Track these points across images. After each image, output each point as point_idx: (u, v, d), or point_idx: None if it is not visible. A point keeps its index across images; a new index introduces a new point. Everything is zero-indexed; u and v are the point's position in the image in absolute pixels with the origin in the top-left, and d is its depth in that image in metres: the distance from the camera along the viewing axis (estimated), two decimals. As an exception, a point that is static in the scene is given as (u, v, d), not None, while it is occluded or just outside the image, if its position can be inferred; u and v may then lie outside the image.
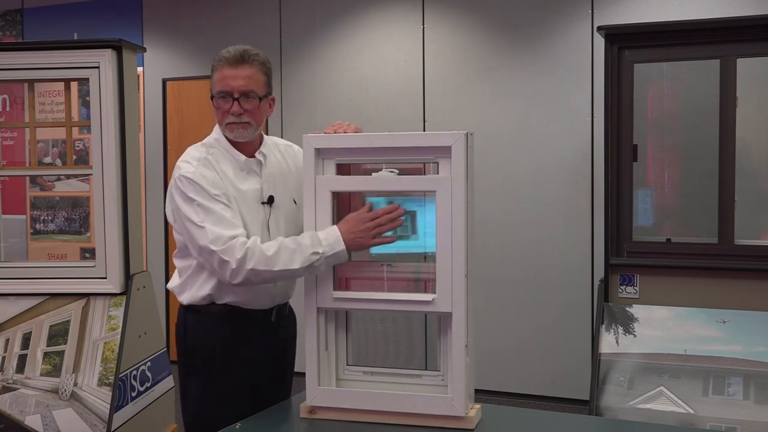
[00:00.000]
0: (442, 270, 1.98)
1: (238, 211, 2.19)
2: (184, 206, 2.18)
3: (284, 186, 2.35)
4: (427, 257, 2.08)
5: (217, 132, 2.34)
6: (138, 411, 3.36)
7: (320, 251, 2.04)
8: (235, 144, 2.29)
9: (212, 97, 2.26)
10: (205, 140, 2.35)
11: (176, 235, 2.31)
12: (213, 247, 2.09)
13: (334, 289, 2.08)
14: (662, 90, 3.54)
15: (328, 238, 2.05)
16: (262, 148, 2.34)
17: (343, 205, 2.14)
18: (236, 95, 2.21)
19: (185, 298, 2.33)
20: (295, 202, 2.35)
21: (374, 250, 2.13)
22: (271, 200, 2.28)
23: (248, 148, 2.31)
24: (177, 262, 2.37)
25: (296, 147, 2.46)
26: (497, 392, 4.87)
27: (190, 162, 2.23)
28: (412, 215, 2.09)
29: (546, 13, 4.83)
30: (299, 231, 2.19)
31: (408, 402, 2.01)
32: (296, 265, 2.05)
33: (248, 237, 2.14)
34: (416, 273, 2.09)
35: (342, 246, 2.04)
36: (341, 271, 2.12)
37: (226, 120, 2.24)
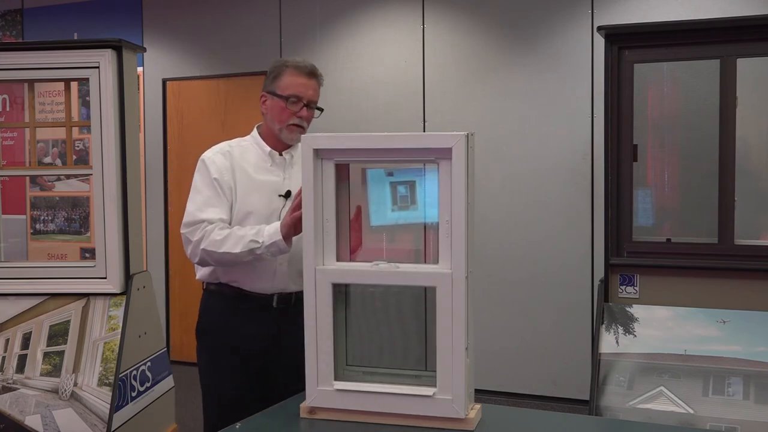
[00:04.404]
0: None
1: (227, 199, 2.46)
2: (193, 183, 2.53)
3: None
4: (427, 227, 2.07)
5: (254, 131, 2.63)
6: (138, 411, 3.36)
7: (260, 241, 2.36)
8: (265, 139, 2.58)
9: (278, 98, 2.51)
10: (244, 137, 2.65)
11: None
12: (183, 228, 2.45)
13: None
14: (662, 90, 3.54)
15: (270, 230, 2.37)
16: (292, 150, 2.59)
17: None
18: (306, 102, 2.53)
19: (198, 275, 2.61)
20: None
21: (375, 221, 2.13)
22: (288, 194, 2.51)
23: (278, 146, 2.58)
24: None
25: None
26: (497, 392, 4.87)
27: (213, 149, 2.56)
28: (411, 185, 2.09)
29: (546, 13, 4.83)
30: None
31: (408, 403, 2.01)
32: (237, 250, 2.37)
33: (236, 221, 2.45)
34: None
35: (279, 237, 2.35)
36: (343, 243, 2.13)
37: (291, 121, 2.52)
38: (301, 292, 2.51)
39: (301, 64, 2.54)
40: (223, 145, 2.57)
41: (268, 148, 2.56)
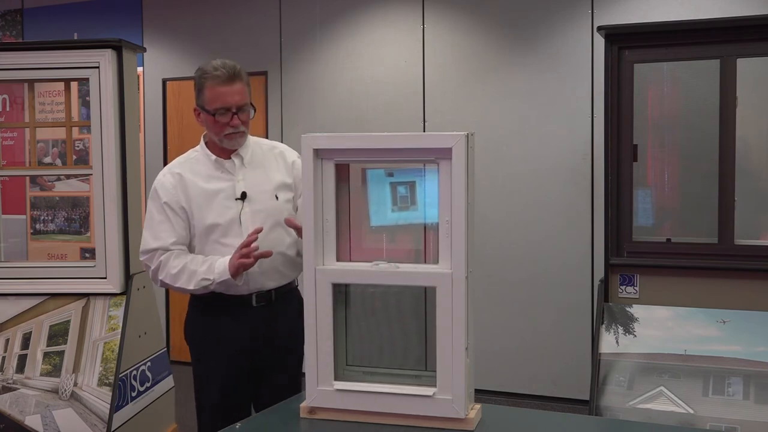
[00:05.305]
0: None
1: (181, 219, 2.50)
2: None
3: (264, 183, 2.57)
4: (427, 227, 2.07)
5: (201, 141, 2.61)
6: (138, 411, 3.37)
7: (210, 278, 2.43)
8: (212, 148, 2.57)
9: (207, 113, 2.49)
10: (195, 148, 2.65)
11: None
12: (141, 256, 2.55)
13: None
14: (662, 90, 3.54)
15: (219, 267, 2.42)
16: (240, 151, 2.56)
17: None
18: (234, 109, 2.47)
19: None
20: (276, 198, 2.56)
21: (375, 222, 2.13)
22: (243, 196, 2.51)
23: (224, 152, 2.56)
24: None
25: (282, 146, 2.71)
26: (497, 392, 4.87)
27: (163, 170, 2.59)
28: (411, 185, 2.09)
29: (546, 13, 4.83)
30: (276, 223, 2.51)
31: (408, 403, 2.01)
32: (190, 287, 2.45)
33: (182, 242, 2.51)
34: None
35: (228, 275, 2.40)
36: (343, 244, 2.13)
37: (226, 131, 2.49)
38: (282, 288, 2.60)
39: (219, 71, 2.44)
40: (173, 164, 2.60)
41: (214, 157, 2.55)
